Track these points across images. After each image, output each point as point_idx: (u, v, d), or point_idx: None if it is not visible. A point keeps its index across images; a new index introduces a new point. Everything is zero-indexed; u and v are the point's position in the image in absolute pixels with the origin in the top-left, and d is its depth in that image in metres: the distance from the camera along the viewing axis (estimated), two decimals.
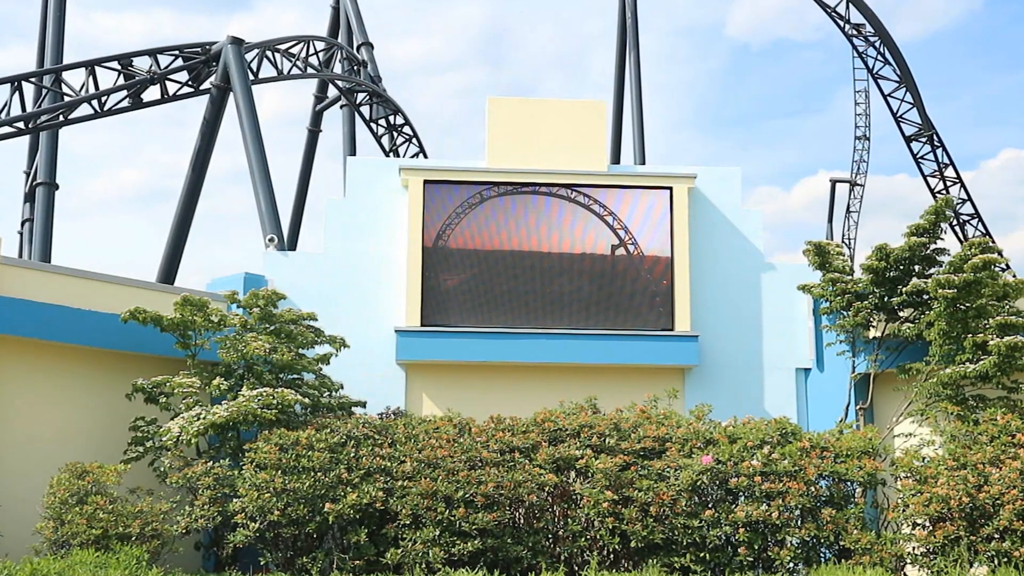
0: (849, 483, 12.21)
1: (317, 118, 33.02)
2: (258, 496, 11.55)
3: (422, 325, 15.51)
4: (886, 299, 14.83)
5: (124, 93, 22.08)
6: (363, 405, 14.19)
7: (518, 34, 76.72)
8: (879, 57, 35.58)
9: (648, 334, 15.75)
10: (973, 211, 35.84)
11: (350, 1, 31.45)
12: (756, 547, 11.67)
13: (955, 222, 35.38)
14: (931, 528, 11.61)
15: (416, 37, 72.22)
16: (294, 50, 25.91)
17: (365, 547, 11.65)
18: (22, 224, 24.38)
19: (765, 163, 70.86)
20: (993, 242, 14.67)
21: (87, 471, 11.82)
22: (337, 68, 29.03)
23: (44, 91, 21.69)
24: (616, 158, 32.88)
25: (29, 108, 21.43)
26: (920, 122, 35.37)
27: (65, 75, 21.93)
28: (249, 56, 23.12)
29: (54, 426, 13.03)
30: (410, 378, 15.70)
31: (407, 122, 31.07)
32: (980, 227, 35.77)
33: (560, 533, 12.15)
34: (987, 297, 13.74)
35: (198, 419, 12.44)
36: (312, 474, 11.64)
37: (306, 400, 13.20)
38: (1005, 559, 11.17)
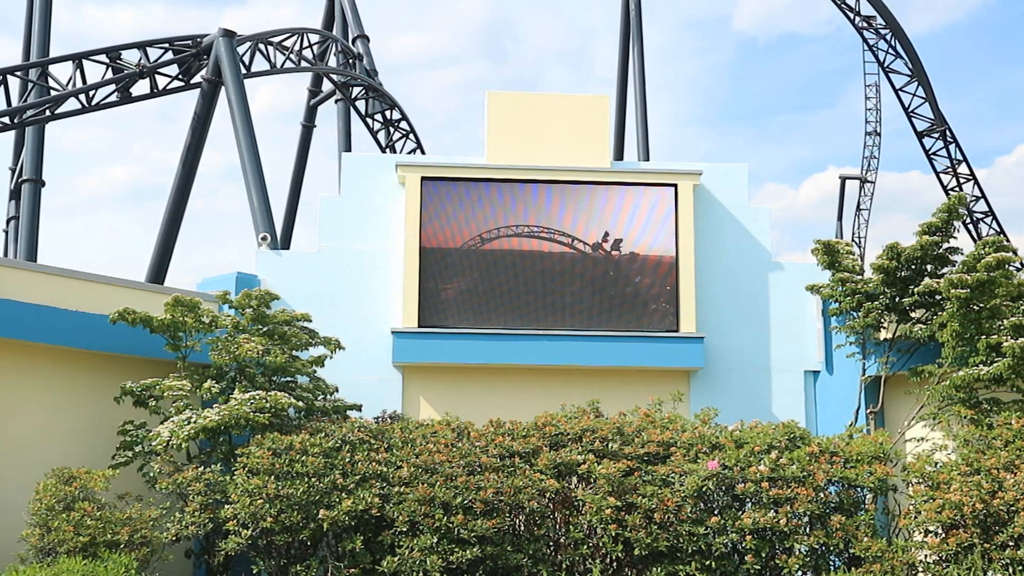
0: (859, 489, 12.20)
1: (311, 113, 33.04)
2: (250, 502, 11.54)
3: (419, 326, 15.51)
4: (897, 299, 14.83)
5: (112, 87, 22.11)
6: (359, 409, 14.18)
7: (520, 27, 76.79)
8: (890, 50, 35.64)
9: (652, 335, 15.75)
10: (987, 209, 35.89)
11: None
12: (763, 555, 11.67)
13: (968, 220, 35.43)
14: (944, 535, 11.59)
15: (415, 31, 72.29)
16: (287, 43, 25.92)
17: (361, 555, 11.65)
18: (7, 222, 24.42)
19: (773, 159, 71.00)
20: (1007, 241, 14.66)
21: (74, 476, 11.80)
22: (332, 61, 29.04)
23: (30, 85, 21.70)
24: (619, 154, 32.92)
25: (15, 103, 21.45)
26: (932, 117, 35.42)
27: (52, 69, 21.94)
28: (241, 49, 23.13)
29: (40, 430, 13.02)
30: (407, 381, 15.71)
31: (404, 117, 31.08)
32: (994, 225, 35.82)
33: (561, 540, 12.15)
34: (1001, 297, 13.73)
35: (189, 423, 12.43)
36: (306, 480, 11.63)
37: (300, 403, 13.19)
38: (1020, 567, 11.15)
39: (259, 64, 24.67)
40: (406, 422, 13.37)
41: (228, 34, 22.31)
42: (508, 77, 75.79)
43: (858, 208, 39.22)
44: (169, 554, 12.08)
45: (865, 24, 35.81)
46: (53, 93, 21.55)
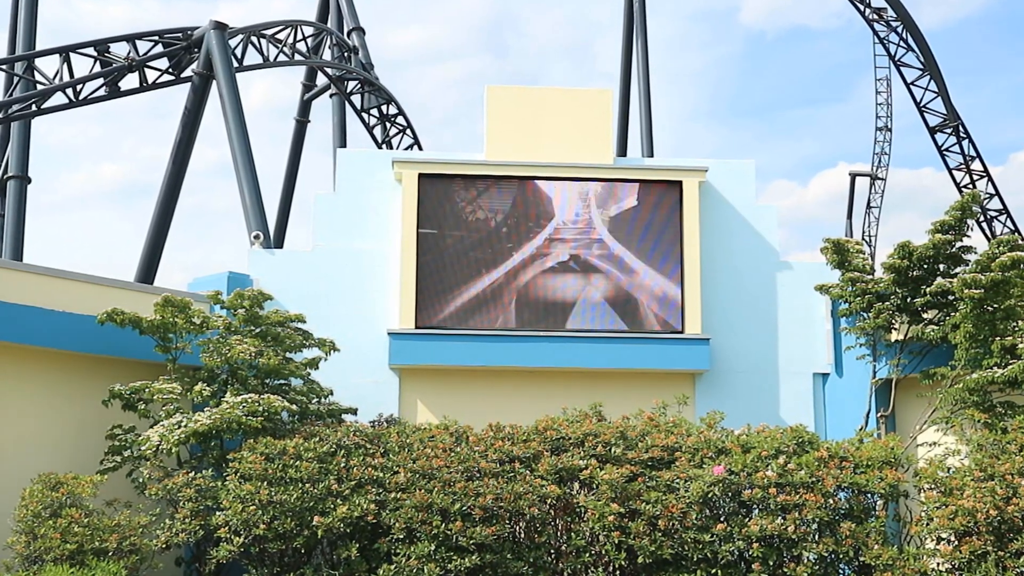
0: (870, 495, 12.20)
1: (305, 108, 33.02)
2: (242, 509, 11.54)
3: (417, 327, 15.50)
4: (909, 300, 14.83)
5: (101, 81, 22.10)
6: (354, 412, 14.18)
7: (522, 21, 76.84)
8: (901, 43, 35.66)
9: (656, 337, 15.74)
10: (1001, 206, 35.91)
11: None
12: (771, 563, 11.66)
13: (982, 218, 35.45)
14: (956, 543, 11.59)
15: (414, 24, 72.32)
16: (281, 36, 25.95)
17: (356, 563, 11.65)
18: None
19: (781, 156, 71.06)
20: (1022, 239, 14.64)
21: (61, 482, 11.80)
22: (326, 55, 29.05)
23: (16, 79, 21.70)
24: (623, 150, 32.92)
25: (0, 97, 21.45)
26: (945, 112, 35.42)
27: (38, 62, 21.95)
28: (233, 42, 23.14)
29: (26, 435, 13.02)
30: (404, 383, 15.70)
31: (401, 112, 31.09)
32: (1009, 223, 35.84)
33: (563, 548, 12.15)
34: (1016, 298, 13.73)
35: (179, 427, 12.42)
36: (300, 485, 11.63)
37: (294, 407, 13.18)
38: None
39: (252, 57, 24.72)
40: (403, 426, 13.37)
41: (219, 27, 22.31)
42: (509, 72, 75.93)
43: (868, 206, 39.23)
44: (159, 562, 12.08)
45: (876, 17, 35.83)
46: (39, 87, 21.56)
